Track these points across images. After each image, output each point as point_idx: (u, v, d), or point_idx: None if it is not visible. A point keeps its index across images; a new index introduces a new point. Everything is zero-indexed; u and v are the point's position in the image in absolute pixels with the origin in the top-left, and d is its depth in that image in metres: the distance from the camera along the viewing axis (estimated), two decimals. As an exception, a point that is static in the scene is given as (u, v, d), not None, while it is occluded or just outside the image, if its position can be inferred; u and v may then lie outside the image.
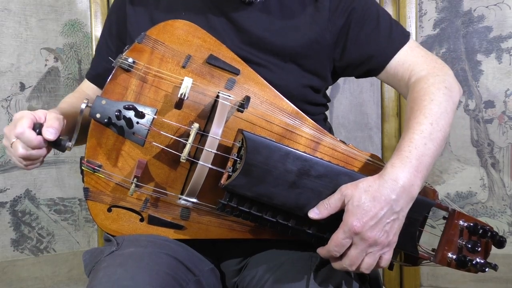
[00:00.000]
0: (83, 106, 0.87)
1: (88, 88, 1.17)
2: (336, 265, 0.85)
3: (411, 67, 1.01)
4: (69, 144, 0.90)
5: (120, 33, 1.11)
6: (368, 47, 1.03)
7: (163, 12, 1.05)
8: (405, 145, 0.86)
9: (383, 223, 0.81)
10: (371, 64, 1.04)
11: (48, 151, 0.91)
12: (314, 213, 0.84)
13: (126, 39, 1.08)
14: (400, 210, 0.82)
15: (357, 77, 1.11)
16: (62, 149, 0.90)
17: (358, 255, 0.82)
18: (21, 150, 0.88)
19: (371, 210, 0.80)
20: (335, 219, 0.83)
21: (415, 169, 0.83)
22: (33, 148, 0.88)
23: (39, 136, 0.87)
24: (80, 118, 0.88)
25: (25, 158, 0.90)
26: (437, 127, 0.89)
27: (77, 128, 0.90)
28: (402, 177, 0.82)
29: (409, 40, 1.04)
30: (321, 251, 0.85)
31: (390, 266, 0.95)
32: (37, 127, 0.87)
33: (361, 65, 1.05)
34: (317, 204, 0.85)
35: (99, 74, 1.13)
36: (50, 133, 0.87)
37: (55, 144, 0.89)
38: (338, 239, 0.82)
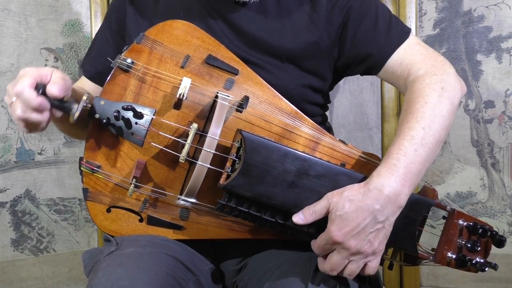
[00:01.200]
0: (84, 97, 0.84)
1: (84, 85, 1.13)
2: (320, 267, 0.85)
3: (409, 65, 0.99)
4: (75, 107, 0.83)
5: (120, 30, 1.10)
6: (365, 45, 1.01)
7: (161, 14, 1.05)
8: (394, 152, 0.84)
9: (366, 233, 0.81)
10: (369, 63, 1.03)
11: (50, 117, 0.83)
12: (299, 218, 0.84)
13: (126, 37, 1.08)
14: (385, 219, 0.81)
15: (361, 74, 1.10)
16: (67, 110, 0.83)
17: (339, 262, 0.82)
18: (19, 111, 0.80)
19: (354, 220, 0.80)
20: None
21: (402, 178, 0.82)
22: (33, 109, 0.80)
23: (40, 97, 0.79)
24: (80, 109, 0.84)
25: (24, 121, 0.82)
26: (430, 132, 0.86)
27: (83, 99, 0.84)
28: (387, 186, 0.81)
29: (409, 37, 1.02)
30: (312, 245, 0.86)
31: (390, 266, 0.95)
32: (40, 87, 0.80)
33: (360, 64, 1.04)
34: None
35: (99, 72, 1.11)
36: (56, 88, 0.80)
37: (60, 105, 0.82)
38: (320, 244, 0.83)
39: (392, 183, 0.81)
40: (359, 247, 0.81)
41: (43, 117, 0.82)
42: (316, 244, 0.84)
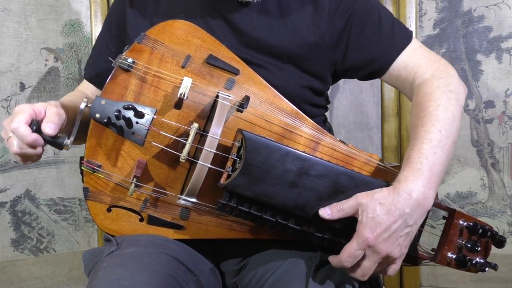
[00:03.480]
0: (83, 105, 0.86)
1: (87, 89, 1.16)
2: (347, 272, 0.85)
3: (415, 69, 1.00)
4: (67, 141, 0.88)
5: (120, 34, 1.11)
6: (370, 49, 1.02)
7: (162, 15, 1.05)
8: (416, 156, 0.85)
9: (396, 237, 0.81)
10: (373, 66, 1.04)
11: (43, 150, 0.89)
12: (326, 213, 0.84)
13: (126, 40, 1.08)
14: (413, 223, 0.82)
15: (360, 79, 1.11)
16: (60, 146, 0.88)
17: (370, 266, 0.82)
18: (15, 147, 0.85)
19: (385, 223, 0.80)
20: (337, 220, 0.84)
21: (427, 181, 0.83)
22: (28, 145, 0.85)
23: (34, 134, 0.84)
24: (79, 118, 0.87)
25: (20, 155, 0.88)
26: (446, 134, 0.88)
27: (76, 126, 0.88)
28: (415, 190, 0.82)
29: (412, 41, 1.03)
30: (333, 260, 0.85)
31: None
32: (34, 124, 0.85)
33: (363, 68, 1.05)
34: (311, 210, 0.85)
35: (98, 74, 1.13)
36: (49, 128, 0.84)
37: (53, 141, 0.87)
38: (351, 251, 0.81)
39: (419, 187, 0.82)
40: (389, 251, 0.81)
41: (37, 151, 0.87)
42: (346, 253, 0.82)
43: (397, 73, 1.03)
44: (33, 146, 0.85)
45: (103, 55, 1.12)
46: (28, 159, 0.90)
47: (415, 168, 0.84)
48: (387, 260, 0.83)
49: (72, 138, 0.88)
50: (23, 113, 0.85)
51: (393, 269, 0.85)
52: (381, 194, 0.82)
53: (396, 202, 0.81)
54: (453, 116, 0.91)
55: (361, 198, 0.82)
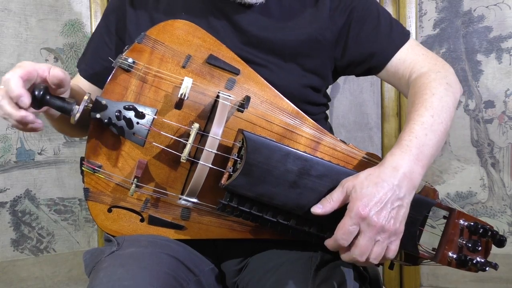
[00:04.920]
0: (84, 104, 0.84)
1: (79, 84, 1.12)
2: (345, 256, 0.84)
3: (412, 65, 1.02)
4: (76, 108, 0.81)
5: (119, 31, 1.10)
6: (369, 45, 1.04)
7: (162, 13, 1.05)
8: (405, 135, 0.86)
9: (389, 208, 0.81)
10: (372, 62, 1.05)
11: (33, 115, 0.79)
12: (317, 208, 0.84)
13: (126, 39, 1.07)
14: (403, 196, 0.82)
15: (358, 75, 1.12)
16: (68, 112, 0.81)
17: (367, 243, 0.81)
18: (6, 107, 0.77)
19: (375, 195, 0.80)
20: (336, 218, 0.83)
21: (415, 157, 0.84)
22: (13, 100, 0.76)
23: (22, 89, 0.75)
24: (81, 109, 0.83)
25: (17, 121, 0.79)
26: (438, 120, 0.89)
27: (84, 101, 0.82)
28: (402, 164, 0.82)
29: (409, 39, 1.05)
30: (329, 242, 0.85)
31: (390, 266, 0.95)
32: (41, 88, 0.78)
33: (362, 64, 1.06)
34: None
35: (96, 73, 1.11)
36: (57, 71, 0.78)
37: (61, 105, 0.80)
38: (345, 227, 0.81)
39: (406, 162, 0.83)
40: (383, 223, 0.80)
41: (28, 116, 0.78)
42: (341, 229, 0.81)
43: (395, 69, 1.04)
44: (18, 104, 0.77)
45: (101, 53, 1.11)
46: (24, 126, 0.80)
47: (403, 145, 0.85)
48: (383, 237, 0.82)
49: (80, 108, 0.81)
50: (22, 67, 0.78)
51: (392, 250, 0.83)
52: (365, 172, 0.83)
53: (383, 175, 0.81)
54: (448, 106, 0.92)
55: (346, 182, 0.83)
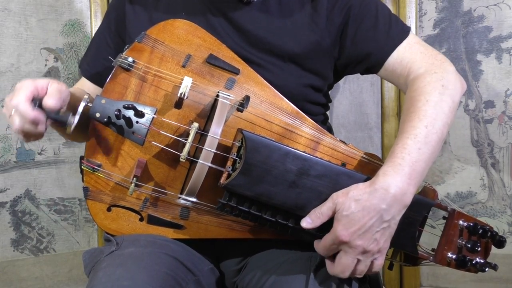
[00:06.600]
0: (83, 104, 0.85)
1: (84, 86, 1.14)
2: (330, 271, 0.85)
3: (409, 64, 1.00)
4: (72, 119, 0.84)
5: (119, 30, 1.10)
6: (365, 45, 1.02)
7: (162, 13, 1.05)
8: (398, 151, 0.85)
9: (372, 232, 0.81)
10: (369, 62, 1.03)
11: (46, 128, 0.85)
12: (307, 223, 0.84)
13: (125, 37, 1.07)
14: (391, 218, 0.82)
15: (361, 73, 1.11)
16: (64, 123, 0.84)
17: (349, 263, 0.82)
18: (17, 124, 0.82)
19: (360, 220, 0.80)
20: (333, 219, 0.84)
21: (407, 177, 0.82)
22: (30, 122, 0.82)
23: (36, 110, 0.81)
24: (81, 108, 0.84)
25: (22, 133, 0.84)
26: (433, 130, 0.87)
27: (80, 108, 0.84)
28: (393, 185, 0.81)
29: (409, 36, 1.02)
30: (316, 246, 0.86)
31: (390, 266, 0.95)
32: (37, 100, 0.82)
33: (360, 63, 1.05)
34: (311, 210, 0.85)
35: (98, 73, 1.12)
36: (51, 101, 0.81)
37: (57, 118, 0.83)
38: (325, 243, 0.83)
39: (398, 182, 0.81)
40: (365, 246, 0.81)
41: (40, 128, 0.83)
42: (321, 245, 0.84)
43: (392, 68, 1.02)
44: (34, 123, 0.82)
45: (102, 52, 1.11)
46: (30, 136, 0.86)
47: (396, 163, 0.83)
48: (367, 256, 0.82)
49: (76, 118, 0.84)
50: (24, 89, 0.82)
51: (377, 265, 0.84)
52: (355, 191, 0.82)
53: (372, 198, 0.80)
54: (443, 112, 0.89)
55: (337, 198, 0.82)
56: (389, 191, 0.81)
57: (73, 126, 0.84)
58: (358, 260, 0.82)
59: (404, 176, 0.82)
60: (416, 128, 0.86)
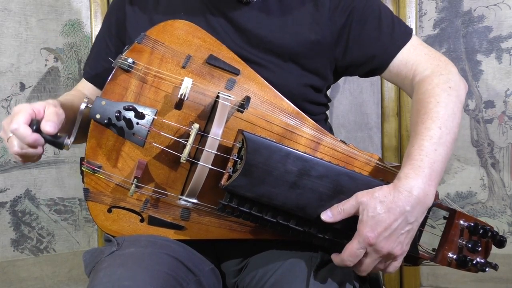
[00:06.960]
0: (83, 106, 0.86)
1: (84, 88, 1.15)
2: (355, 270, 0.85)
3: (414, 66, 1.00)
4: (68, 141, 0.87)
5: (119, 33, 1.10)
6: (370, 46, 1.02)
7: (162, 13, 1.05)
8: (416, 153, 0.86)
9: (397, 234, 0.81)
10: (373, 64, 1.04)
11: (43, 149, 0.88)
12: (327, 216, 0.84)
13: (126, 40, 1.07)
14: (414, 220, 0.83)
15: (361, 76, 1.11)
16: (60, 146, 0.87)
17: (371, 263, 0.83)
18: (16, 147, 0.85)
19: (386, 221, 0.80)
20: (338, 221, 0.84)
21: (428, 178, 0.83)
22: (28, 145, 0.84)
23: (35, 134, 0.83)
24: (79, 118, 0.87)
25: (20, 156, 0.87)
26: (446, 130, 0.88)
27: (76, 126, 0.88)
28: (416, 187, 0.82)
29: (412, 38, 1.03)
30: (335, 258, 0.85)
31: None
32: (34, 124, 0.84)
33: (364, 65, 1.05)
34: (312, 210, 0.85)
35: (98, 74, 1.12)
36: (49, 126, 0.83)
37: (53, 141, 0.86)
38: (352, 250, 0.82)
39: (420, 184, 0.82)
40: (390, 249, 0.81)
41: (38, 151, 0.86)
42: (348, 252, 0.82)
43: (397, 70, 1.03)
44: (33, 146, 0.84)
45: (103, 55, 1.12)
46: (28, 159, 0.89)
47: (416, 165, 0.84)
48: (388, 258, 0.83)
49: (72, 138, 0.87)
50: (22, 113, 0.84)
51: (394, 266, 0.85)
52: (381, 192, 0.82)
53: (397, 200, 0.81)
54: (454, 113, 0.91)
55: (361, 197, 0.82)
56: (412, 193, 0.81)
57: (69, 146, 0.87)
58: (379, 262, 0.83)
59: (425, 178, 0.83)
60: (430, 129, 0.88)
